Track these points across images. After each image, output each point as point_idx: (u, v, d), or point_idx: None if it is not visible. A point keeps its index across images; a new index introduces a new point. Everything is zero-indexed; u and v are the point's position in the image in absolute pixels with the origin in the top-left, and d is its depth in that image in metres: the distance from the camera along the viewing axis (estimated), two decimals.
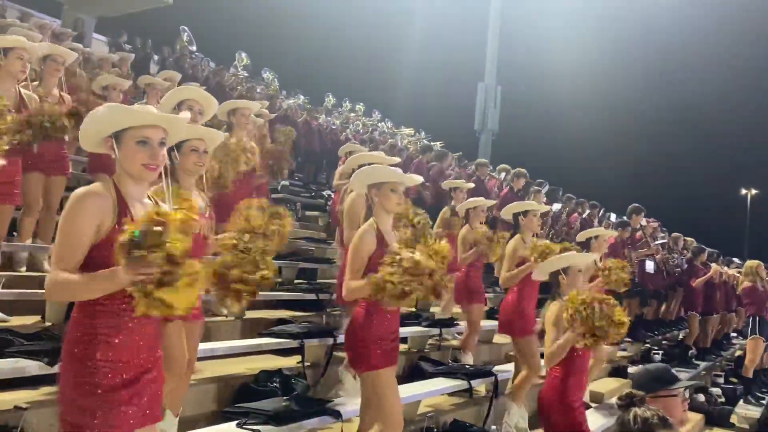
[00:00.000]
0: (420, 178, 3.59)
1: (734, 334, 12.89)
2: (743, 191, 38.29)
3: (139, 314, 1.95)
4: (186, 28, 14.65)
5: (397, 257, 3.06)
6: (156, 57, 13.74)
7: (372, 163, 4.00)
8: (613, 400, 6.33)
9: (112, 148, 2.16)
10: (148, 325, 2.16)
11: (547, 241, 5.14)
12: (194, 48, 14.58)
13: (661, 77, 34.63)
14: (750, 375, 8.90)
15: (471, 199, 6.41)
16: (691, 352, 9.92)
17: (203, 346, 4.45)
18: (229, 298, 2.65)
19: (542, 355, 4.63)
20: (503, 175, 11.20)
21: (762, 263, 9.30)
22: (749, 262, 9.26)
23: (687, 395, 3.19)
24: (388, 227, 3.45)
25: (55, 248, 2.08)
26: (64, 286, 2.03)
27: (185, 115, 2.61)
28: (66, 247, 2.04)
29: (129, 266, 1.85)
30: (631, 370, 8.39)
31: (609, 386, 7.43)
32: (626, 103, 35.58)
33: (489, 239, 5.79)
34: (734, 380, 9.56)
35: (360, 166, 3.74)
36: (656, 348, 9.68)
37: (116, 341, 2.08)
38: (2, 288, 4.45)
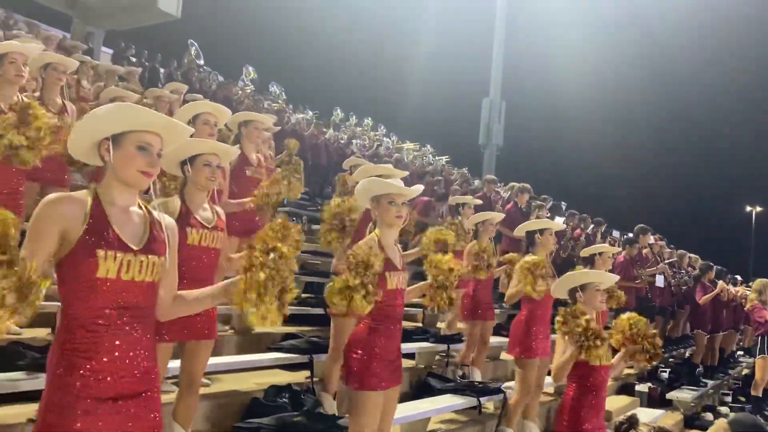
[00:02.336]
0: (418, 190, 3.43)
1: (740, 353, 12.81)
2: (748, 208, 38.24)
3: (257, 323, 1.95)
4: (194, 42, 14.76)
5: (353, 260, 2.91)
6: (162, 70, 13.83)
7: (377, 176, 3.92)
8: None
9: (107, 151, 2.03)
10: (136, 343, 2.01)
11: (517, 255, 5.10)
12: (202, 62, 14.69)
13: (667, 94, 34.69)
14: (759, 394, 8.82)
15: (480, 213, 6.39)
16: (698, 370, 9.84)
17: (212, 361, 4.44)
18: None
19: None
20: (509, 193, 11.20)
21: None
22: (759, 281, 9.21)
23: None
24: (390, 241, 3.33)
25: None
26: None
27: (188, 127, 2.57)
28: (27, 250, 1.87)
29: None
30: (638, 387, 8.35)
31: (617, 404, 7.39)
32: (632, 120, 35.67)
33: (478, 255, 5.73)
34: (742, 399, 9.49)
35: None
36: (663, 366, 9.60)
37: (97, 361, 1.93)
38: None
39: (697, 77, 33.67)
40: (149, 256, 2.05)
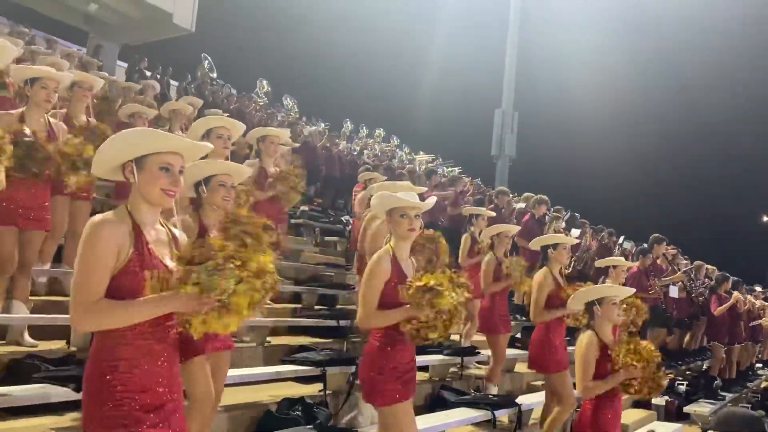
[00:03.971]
0: (431, 204, 3.44)
1: (759, 365, 12.63)
2: (766, 218, 37.81)
3: (198, 335, 2.01)
4: (207, 55, 14.89)
5: (433, 300, 3.04)
6: (175, 84, 13.96)
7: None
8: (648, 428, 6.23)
9: (131, 173, 2.14)
10: (168, 349, 2.13)
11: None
12: (215, 75, 14.81)
13: (682, 103, 34.44)
14: None
15: (496, 225, 6.37)
16: (716, 383, 9.71)
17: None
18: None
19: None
20: (524, 205, 11.13)
21: None
22: None
23: None
24: (404, 254, 3.36)
25: (76, 278, 2.00)
26: (106, 312, 1.99)
27: (208, 144, 2.59)
28: (88, 275, 1.98)
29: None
30: (655, 401, 8.23)
31: (633, 418, 7.29)
32: (646, 129, 35.45)
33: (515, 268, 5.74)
34: (762, 412, 9.33)
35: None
36: (680, 378, 9.49)
37: (137, 370, 2.05)
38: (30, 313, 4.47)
39: (712, 86, 33.44)
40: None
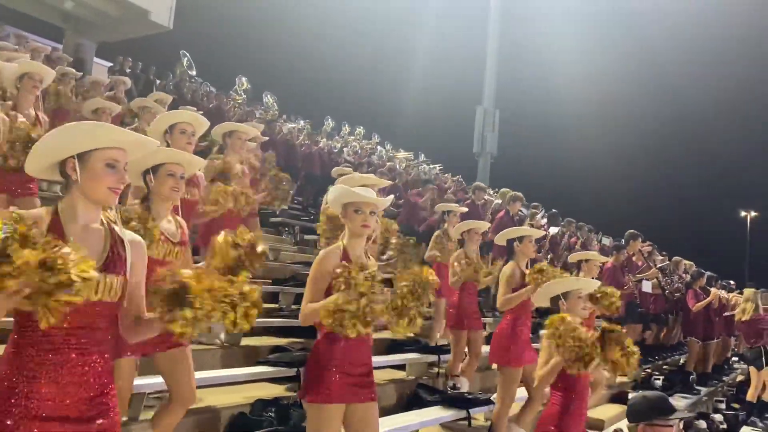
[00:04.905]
0: (387, 202, 3.29)
1: (735, 359, 12.81)
2: (743, 213, 38.35)
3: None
4: (186, 52, 14.77)
5: (352, 281, 2.80)
6: (158, 82, 13.82)
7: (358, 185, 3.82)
8: (614, 428, 6.28)
9: (73, 170, 2.00)
10: (87, 366, 1.95)
11: (546, 265, 5.04)
12: (194, 72, 14.70)
13: (662, 100, 34.82)
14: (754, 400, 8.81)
15: (466, 221, 6.37)
16: (692, 377, 9.83)
17: (198, 375, 4.41)
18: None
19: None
20: (499, 201, 11.19)
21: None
22: (750, 291, 9.19)
23: (681, 426, 3.16)
24: (358, 251, 3.16)
25: None
26: None
27: (154, 141, 2.46)
28: None
29: None
30: (632, 396, 8.32)
31: (609, 413, 7.36)
32: (626, 127, 35.78)
33: (469, 263, 5.73)
34: (736, 406, 9.48)
35: None
36: (657, 373, 9.60)
37: (44, 384, 1.88)
38: None
39: (691, 83, 33.83)
40: (108, 276, 2.00)
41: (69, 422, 1.91)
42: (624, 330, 3.75)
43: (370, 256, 3.32)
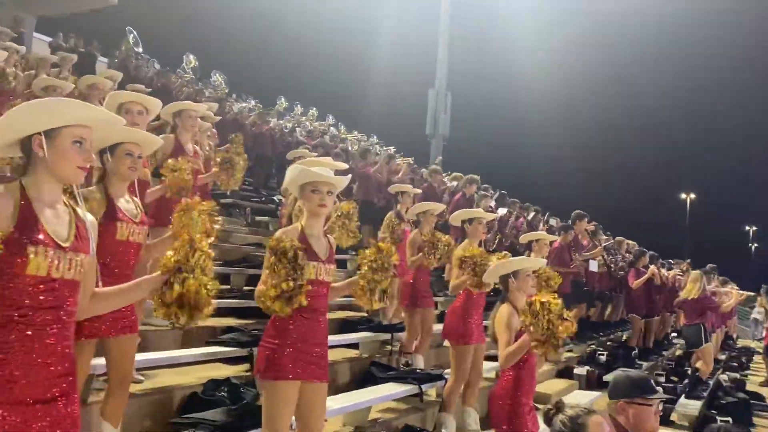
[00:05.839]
0: (345, 181, 3.31)
1: (674, 335, 13.36)
2: (683, 196, 39.83)
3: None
4: (132, 29, 14.34)
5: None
6: (104, 59, 13.38)
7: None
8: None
9: (40, 147, 1.96)
10: (53, 346, 1.94)
11: (480, 250, 5.12)
12: (140, 49, 14.29)
13: (612, 88, 35.69)
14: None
15: (422, 203, 6.44)
16: (634, 352, 10.21)
17: (150, 356, 4.36)
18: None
19: (494, 359, 4.69)
20: (455, 183, 11.34)
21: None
22: (696, 272, 9.55)
23: (660, 408, 3.26)
24: (315, 231, 3.21)
25: None
26: None
27: (122, 119, 2.47)
28: None
29: None
30: (577, 371, 8.61)
31: (556, 387, 7.61)
32: (579, 112, 36.55)
33: (431, 243, 5.81)
34: (675, 379, 9.90)
35: None
36: (601, 349, 9.93)
37: (9, 362, 1.86)
38: None
39: (648, 76, 34.75)
40: (78, 254, 2.02)
41: (36, 403, 1.91)
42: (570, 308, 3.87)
43: (329, 237, 3.36)
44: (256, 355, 3.23)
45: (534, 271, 4.35)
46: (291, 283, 2.79)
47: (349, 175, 3.54)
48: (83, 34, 13.93)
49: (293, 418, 3.23)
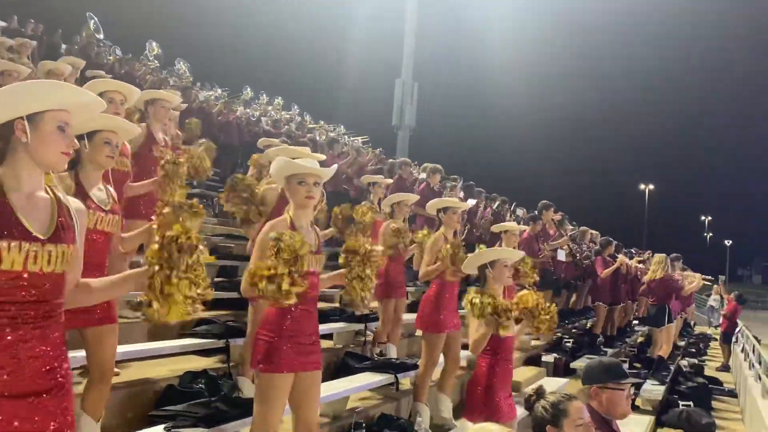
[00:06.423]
0: (331, 172, 3.33)
1: (636, 322, 13.71)
2: (642, 187, 40.80)
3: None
4: (93, 14, 13.97)
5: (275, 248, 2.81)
6: (64, 47, 12.97)
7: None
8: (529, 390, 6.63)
9: (23, 131, 1.86)
10: (41, 340, 1.89)
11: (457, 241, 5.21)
12: (101, 36, 13.94)
13: (579, 78, 36.27)
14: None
15: (396, 194, 6.46)
16: (599, 339, 10.45)
17: (124, 349, 4.28)
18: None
19: (465, 347, 4.76)
20: (423, 175, 11.38)
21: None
22: (660, 256, 9.82)
23: (632, 391, 3.39)
24: (303, 222, 3.22)
25: None
26: None
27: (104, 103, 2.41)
28: None
29: None
30: (545, 358, 8.78)
31: (525, 375, 7.74)
32: (542, 103, 37.05)
33: (397, 233, 5.83)
34: (638, 365, 10.17)
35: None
36: (567, 336, 10.13)
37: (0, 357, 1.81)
38: None
39: (617, 70, 35.38)
40: (58, 246, 1.93)
41: (26, 397, 1.86)
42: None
43: (316, 228, 3.36)
44: (249, 347, 3.24)
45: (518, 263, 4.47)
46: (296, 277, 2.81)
47: (335, 166, 3.55)
48: (41, 20, 13.48)
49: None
